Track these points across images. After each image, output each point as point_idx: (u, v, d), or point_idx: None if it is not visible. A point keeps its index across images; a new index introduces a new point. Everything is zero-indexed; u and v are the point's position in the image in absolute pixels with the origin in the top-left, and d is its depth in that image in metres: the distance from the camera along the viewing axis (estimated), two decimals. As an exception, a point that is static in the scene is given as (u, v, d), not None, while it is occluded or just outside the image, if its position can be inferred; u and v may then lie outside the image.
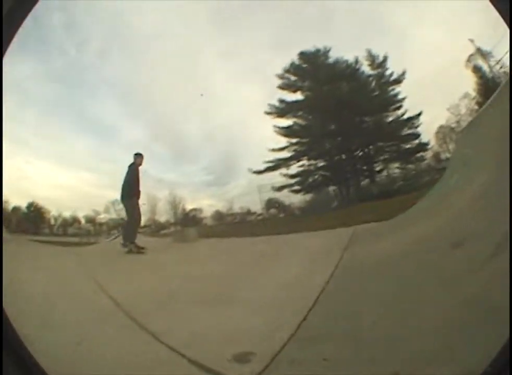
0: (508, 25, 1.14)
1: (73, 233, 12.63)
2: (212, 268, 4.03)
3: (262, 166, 11.72)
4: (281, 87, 12.32)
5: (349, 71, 11.23)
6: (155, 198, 12.56)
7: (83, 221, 13.14)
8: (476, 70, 9.42)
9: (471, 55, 9.00)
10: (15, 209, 11.62)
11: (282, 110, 12.31)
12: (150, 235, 11.25)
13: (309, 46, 11.03)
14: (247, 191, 12.06)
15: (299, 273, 3.22)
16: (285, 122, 12.45)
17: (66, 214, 13.03)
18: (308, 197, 12.35)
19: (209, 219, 13.01)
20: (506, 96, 3.45)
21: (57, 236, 12.07)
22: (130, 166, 6.52)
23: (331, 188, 11.77)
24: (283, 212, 11.67)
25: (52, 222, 12.83)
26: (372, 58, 11.31)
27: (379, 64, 11.31)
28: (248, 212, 12.49)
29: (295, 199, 12.06)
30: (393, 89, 11.28)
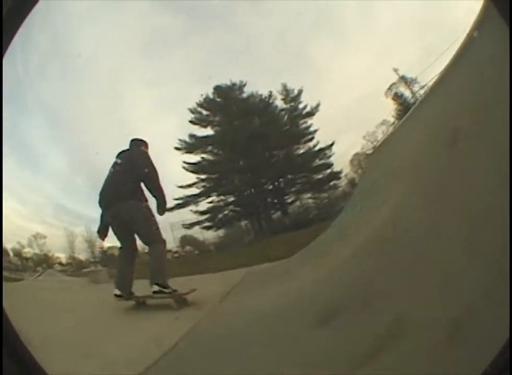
0: (508, 25, 1.15)
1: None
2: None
3: (171, 204, 12.16)
4: (193, 122, 12.95)
5: (261, 105, 11.86)
6: (73, 234, 12.40)
7: (11, 254, 12.73)
8: (397, 97, 10.08)
9: (393, 84, 9.60)
10: None
11: (192, 145, 12.93)
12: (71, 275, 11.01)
13: (226, 80, 11.38)
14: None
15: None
16: (194, 157, 13.10)
17: None
18: (221, 232, 13.04)
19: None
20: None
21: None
22: (135, 150, 4.48)
23: (244, 223, 12.37)
24: (197, 249, 12.20)
25: None
26: (286, 91, 12.11)
27: (293, 98, 12.08)
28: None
29: (209, 236, 12.54)
30: (305, 122, 12.09)
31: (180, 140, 12.80)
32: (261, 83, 11.59)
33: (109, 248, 12.49)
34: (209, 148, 12.89)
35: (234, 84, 12.00)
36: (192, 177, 12.58)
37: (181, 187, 12.95)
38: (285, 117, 12.05)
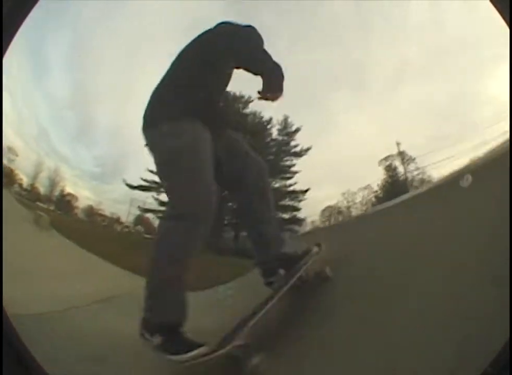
0: (508, 25, 1.15)
1: None
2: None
3: (136, 182, 11.92)
4: None
5: (259, 127, 11.67)
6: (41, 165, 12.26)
7: None
8: (389, 169, 9.87)
9: (390, 155, 9.45)
10: None
11: None
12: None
13: (236, 89, 11.15)
14: (122, 200, 12.20)
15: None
16: None
17: None
18: None
19: (80, 210, 13.07)
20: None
21: None
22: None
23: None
24: (148, 232, 11.88)
25: None
26: (285, 124, 11.88)
27: (288, 132, 11.92)
28: (118, 221, 12.71)
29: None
30: (290, 160, 11.92)
31: None
32: (266, 106, 11.34)
33: (68, 194, 12.39)
34: None
35: (242, 97, 11.87)
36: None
37: (151, 171, 12.60)
38: (274, 148, 12.05)
